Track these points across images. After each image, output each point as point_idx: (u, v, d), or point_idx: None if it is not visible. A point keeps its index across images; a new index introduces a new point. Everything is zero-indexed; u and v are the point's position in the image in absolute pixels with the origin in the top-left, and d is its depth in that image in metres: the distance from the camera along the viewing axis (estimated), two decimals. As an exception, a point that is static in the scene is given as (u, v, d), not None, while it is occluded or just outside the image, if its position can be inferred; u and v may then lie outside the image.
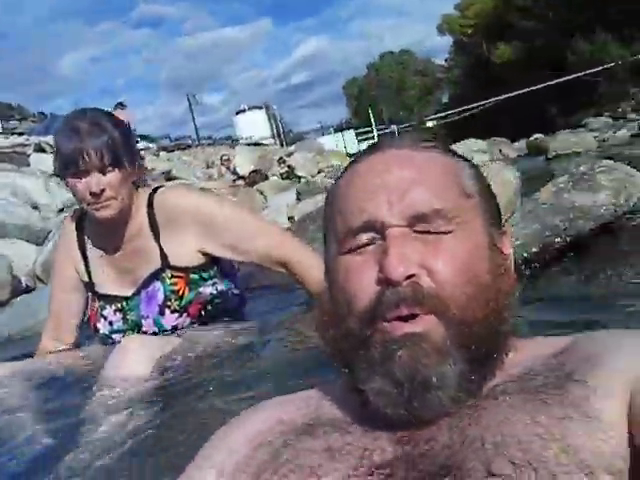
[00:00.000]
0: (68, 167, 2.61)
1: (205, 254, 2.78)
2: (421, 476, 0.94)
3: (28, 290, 6.40)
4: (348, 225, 1.09)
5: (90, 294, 2.93)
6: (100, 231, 2.84)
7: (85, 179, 2.59)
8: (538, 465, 0.88)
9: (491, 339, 1.04)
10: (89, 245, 2.90)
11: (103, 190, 2.59)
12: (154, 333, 2.76)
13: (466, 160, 1.20)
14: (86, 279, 2.91)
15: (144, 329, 2.78)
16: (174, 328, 2.76)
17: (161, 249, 2.76)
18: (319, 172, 18.00)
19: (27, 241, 7.84)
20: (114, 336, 2.83)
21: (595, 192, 2.96)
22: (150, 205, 2.79)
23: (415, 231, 1.04)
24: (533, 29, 44.36)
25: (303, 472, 1.01)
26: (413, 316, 1.00)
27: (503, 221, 1.20)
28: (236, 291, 2.95)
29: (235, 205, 3.09)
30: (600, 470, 0.86)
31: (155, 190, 2.83)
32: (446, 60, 67.75)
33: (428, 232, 1.04)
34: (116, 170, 2.61)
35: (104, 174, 2.59)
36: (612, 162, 3.11)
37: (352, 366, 1.06)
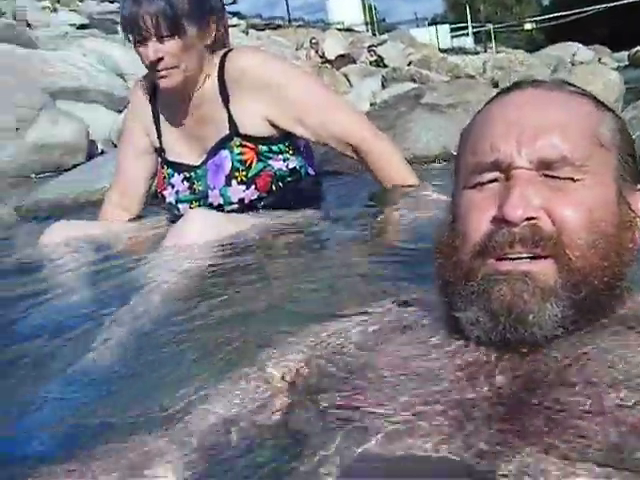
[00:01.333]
0: (128, 33, 2.53)
1: (274, 125, 2.64)
2: (510, 395, 0.94)
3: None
4: (476, 161, 1.09)
5: (160, 160, 2.85)
6: (170, 96, 2.73)
7: (144, 46, 2.49)
8: None
9: (604, 291, 1.03)
10: (161, 110, 2.81)
11: (161, 59, 2.49)
12: (220, 205, 2.66)
13: (610, 110, 1.15)
14: (157, 144, 2.83)
15: (210, 200, 2.68)
16: (241, 201, 2.65)
17: (230, 116, 2.64)
18: (409, 64, 17.63)
19: (108, 108, 7.88)
20: (180, 206, 2.75)
21: None
22: (221, 69, 2.65)
23: (542, 175, 1.03)
24: None
25: (392, 358, 1.06)
26: (530, 258, 1.01)
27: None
28: (311, 171, 2.82)
29: (311, 77, 2.94)
30: None
31: (227, 53, 2.69)
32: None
33: (555, 177, 1.03)
34: (176, 37, 2.49)
35: (162, 42, 2.48)
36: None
37: (453, 296, 1.07)
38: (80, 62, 8.78)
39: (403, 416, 0.95)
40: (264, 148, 2.64)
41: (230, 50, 2.71)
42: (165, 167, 2.81)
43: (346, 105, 2.87)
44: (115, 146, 6.60)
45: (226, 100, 2.64)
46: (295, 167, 2.72)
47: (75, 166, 5.72)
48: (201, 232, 2.28)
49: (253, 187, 2.64)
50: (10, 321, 1.93)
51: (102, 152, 6.53)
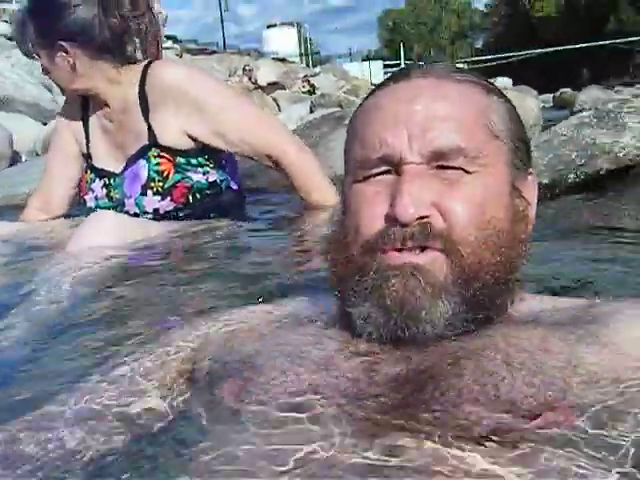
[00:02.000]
0: None
1: (193, 139, 2.65)
2: (396, 388, 0.92)
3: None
4: (365, 154, 1.06)
5: (85, 165, 2.86)
6: (96, 105, 2.78)
7: None
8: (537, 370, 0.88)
9: (496, 285, 1.02)
10: (90, 117, 2.83)
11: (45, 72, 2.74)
12: (136, 214, 2.65)
13: (501, 96, 1.13)
14: (85, 150, 2.85)
15: (126, 208, 2.67)
16: (155, 211, 2.64)
17: (149, 126, 2.64)
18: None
19: (35, 119, 7.73)
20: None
21: (619, 132, 2.79)
22: (143, 79, 2.67)
23: (434, 167, 1.01)
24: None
25: (290, 349, 1.02)
26: (421, 249, 0.99)
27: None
28: (234, 186, 2.81)
29: (232, 91, 2.95)
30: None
31: (150, 63, 2.70)
32: (485, 6, 66.74)
33: (447, 169, 1.01)
34: (41, 56, 2.69)
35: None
36: (642, 105, 2.94)
37: (346, 291, 1.05)
38: (7, 72, 8.64)
39: (292, 405, 0.92)
40: (182, 160, 2.64)
41: (153, 60, 2.72)
42: (89, 172, 2.82)
43: (269, 118, 2.90)
44: (38, 156, 6.49)
45: (146, 111, 2.65)
46: (215, 180, 2.71)
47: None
48: (108, 234, 2.24)
49: (169, 198, 2.64)
50: None
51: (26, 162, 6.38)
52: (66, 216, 2.93)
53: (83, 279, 1.97)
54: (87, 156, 2.84)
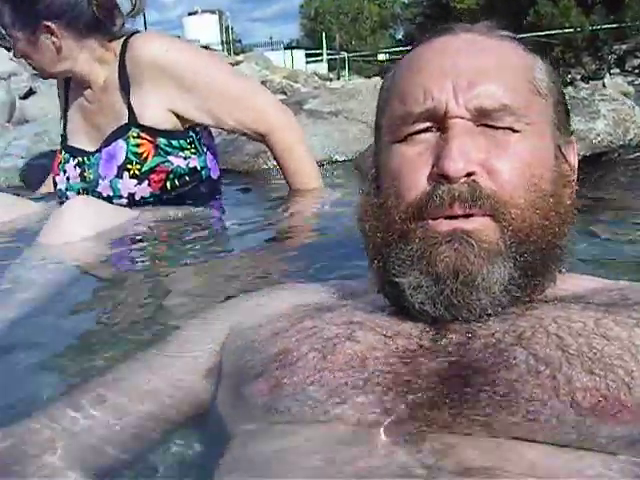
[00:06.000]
0: None
1: (178, 116, 2.52)
2: (451, 367, 0.87)
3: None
4: (407, 109, 0.99)
5: (60, 147, 2.74)
6: (78, 86, 2.64)
7: None
8: (593, 356, 0.83)
9: (547, 250, 0.98)
10: (70, 98, 2.72)
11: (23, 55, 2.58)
12: (109, 197, 2.52)
13: (540, 55, 1.09)
14: (62, 131, 2.74)
15: (99, 190, 2.54)
16: (131, 196, 2.52)
17: (129, 104, 2.51)
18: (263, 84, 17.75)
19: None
20: (69, 194, 2.60)
21: (593, 119, 2.80)
22: (122, 55, 2.53)
23: (480, 125, 0.96)
24: (499, -21, 44.23)
25: (322, 340, 0.95)
26: (467, 216, 0.93)
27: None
28: (213, 175, 2.70)
29: (218, 62, 2.79)
30: None
31: (128, 39, 2.56)
32: (407, -4, 67.25)
33: (494, 128, 0.96)
34: (16, 41, 2.52)
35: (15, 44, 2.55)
36: (615, 93, 2.96)
37: (388, 260, 0.98)
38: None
39: (331, 404, 0.86)
40: (163, 141, 2.51)
41: (132, 35, 2.59)
42: (63, 152, 2.69)
43: (257, 89, 2.74)
44: None
45: (126, 88, 2.52)
46: (196, 167, 2.60)
47: None
48: (81, 223, 2.11)
49: (146, 183, 2.51)
50: None
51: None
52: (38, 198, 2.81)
53: (58, 273, 1.85)
54: (63, 137, 2.71)
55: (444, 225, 0.94)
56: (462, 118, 0.95)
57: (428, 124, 0.98)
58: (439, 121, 0.97)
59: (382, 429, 0.81)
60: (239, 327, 1.11)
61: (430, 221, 0.95)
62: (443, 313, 0.94)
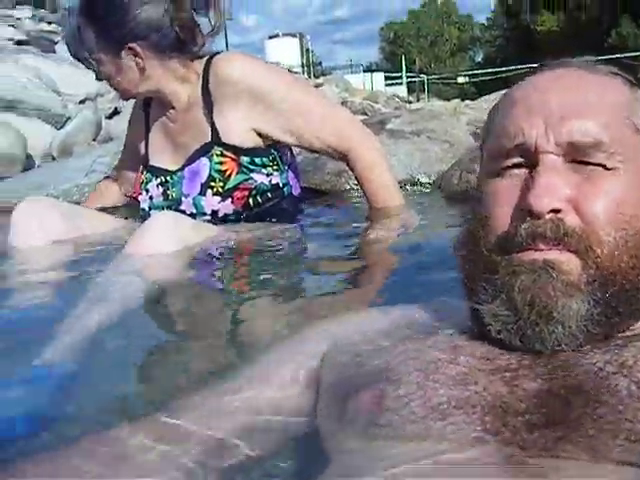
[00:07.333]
0: None
1: (261, 135, 2.53)
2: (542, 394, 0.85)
3: (40, 170, 6.17)
4: (499, 145, 1.01)
5: (142, 167, 2.76)
6: (160, 106, 2.67)
7: None
8: None
9: (632, 292, 0.94)
10: (152, 117, 2.75)
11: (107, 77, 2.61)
12: (192, 215, 2.52)
13: None
14: (143, 151, 2.76)
15: (182, 208, 2.55)
16: (214, 213, 2.53)
17: (212, 123, 2.52)
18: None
19: (46, 123, 7.64)
20: (152, 212, 2.60)
21: None
22: (205, 74, 2.55)
23: (571, 160, 0.94)
24: (580, 3, 43.73)
25: (425, 363, 0.94)
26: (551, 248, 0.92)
27: None
28: (295, 192, 2.70)
29: (301, 83, 2.78)
30: None
31: (212, 58, 2.58)
32: (487, 19, 67.01)
33: (585, 164, 0.94)
34: (101, 64, 2.56)
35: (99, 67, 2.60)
36: None
37: (476, 290, 0.98)
38: (15, 75, 8.57)
39: (432, 420, 0.86)
40: (246, 159, 2.52)
41: (215, 55, 2.60)
42: (144, 172, 2.72)
43: (339, 111, 2.72)
44: (54, 159, 6.43)
45: (209, 107, 2.53)
46: (278, 183, 2.59)
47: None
48: (167, 239, 2.11)
49: (229, 200, 2.52)
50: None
51: (39, 166, 6.30)
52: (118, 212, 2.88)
53: (141, 284, 1.86)
54: (145, 157, 2.74)
55: (527, 255, 0.93)
56: (552, 153, 0.94)
57: (520, 160, 0.98)
58: (530, 157, 0.96)
59: (484, 448, 0.80)
60: (340, 343, 1.12)
61: (514, 254, 0.94)
62: (517, 343, 0.92)
